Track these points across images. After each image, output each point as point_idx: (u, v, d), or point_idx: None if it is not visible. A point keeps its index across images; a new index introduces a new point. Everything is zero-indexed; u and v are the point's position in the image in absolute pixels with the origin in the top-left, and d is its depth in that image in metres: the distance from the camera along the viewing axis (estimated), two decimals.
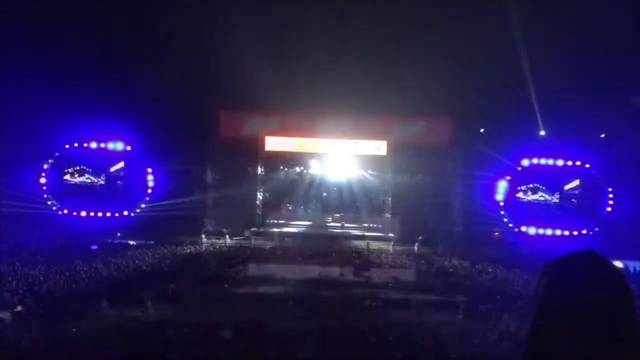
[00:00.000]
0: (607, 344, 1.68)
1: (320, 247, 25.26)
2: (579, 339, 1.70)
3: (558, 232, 28.79)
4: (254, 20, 24.08)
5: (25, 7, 23.26)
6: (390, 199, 29.97)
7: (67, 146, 29.20)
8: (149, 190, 29.53)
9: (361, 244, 26.90)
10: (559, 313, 1.75)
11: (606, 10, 21.69)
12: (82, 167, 30.09)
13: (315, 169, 31.59)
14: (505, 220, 29.37)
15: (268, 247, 25.62)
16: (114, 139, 29.32)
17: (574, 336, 1.70)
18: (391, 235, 28.17)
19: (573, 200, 30.00)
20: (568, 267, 1.83)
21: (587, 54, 23.40)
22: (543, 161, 29.09)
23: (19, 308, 12.26)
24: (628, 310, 1.73)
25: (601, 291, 1.73)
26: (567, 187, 30.01)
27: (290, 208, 31.57)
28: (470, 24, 23.26)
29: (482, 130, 28.41)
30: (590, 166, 28.66)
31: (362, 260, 22.96)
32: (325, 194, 31.72)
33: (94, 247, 23.33)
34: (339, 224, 30.29)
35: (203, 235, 26.55)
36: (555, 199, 30.13)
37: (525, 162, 29.18)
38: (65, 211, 28.76)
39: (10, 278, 16.00)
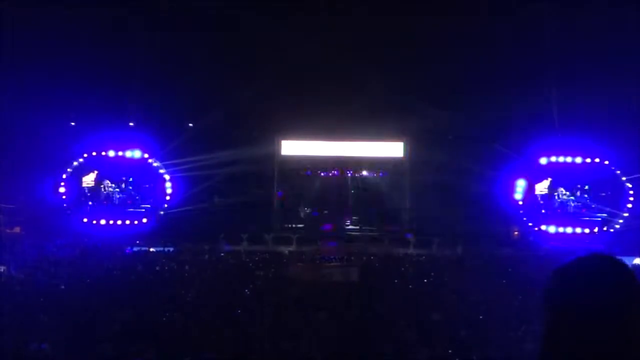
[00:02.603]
0: (620, 347, 1.66)
1: (338, 250, 25.24)
2: (591, 343, 1.67)
3: (578, 230, 28.49)
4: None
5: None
6: (407, 200, 29.87)
7: (85, 155, 29.48)
8: (167, 198, 29.70)
9: (380, 246, 26.83)
10: (570, 317, 1.72)
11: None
12: (99, 175, 30.38)
13: (331, 171, 31.57)
14: (525, 219, 29.17)
15: (286, 251, 25.61)
16: (132, 146, 29.51)
17: (585, 341, 1.68)
18: (409, 236, 28.07)
19: (593, 197, 29.72)
20: (577, 271, 1.80)
21: (604, 49, 23.22)
22: (562, 159, 28.81)
23: (40, 317, 12.34)
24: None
25: (612, 294, 1.71)
26: (586, 184, 29.74)
27: (307, 211, 31.55)
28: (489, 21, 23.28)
29: (499, 128, 28.23)
30: (610, 163, 28.33)
31: (381, 262, 22.87)
32: (342, 197, 31.63)
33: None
34: (357, 226, 30.25)
35: (221, 241, 26.61)
36: (574, 196, 29.84)
37: (543, 160, 28.91)
38: (85, 220, 29.01)
39: (31, 287, 16.16)
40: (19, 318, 12.34)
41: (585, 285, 1.74)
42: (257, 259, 23.10)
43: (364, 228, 30.01)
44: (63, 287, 16.31)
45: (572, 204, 29.80)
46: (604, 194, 29.41)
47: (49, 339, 10.97)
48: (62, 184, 29.03)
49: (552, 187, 29.88)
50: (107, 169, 30.33)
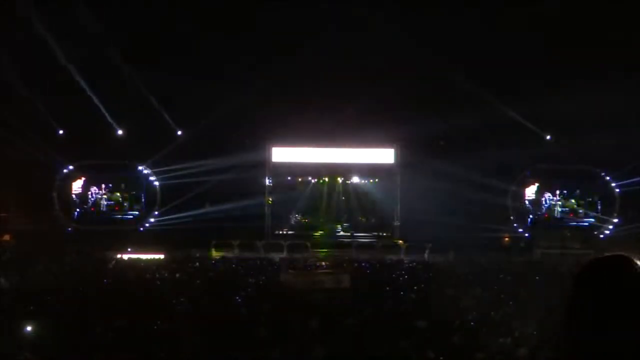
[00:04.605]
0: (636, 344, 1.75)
1: (330, 256, 25.26)
2: (609, 340, 1.76)
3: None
4: None
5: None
6: (399, 206, 29.86)
7: (77, 162, 29.40)
8: (158, 205, 29.63)
9: (371, 252, 26.85)
10: (590, 315, 1.82)
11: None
12: (90, 182, 30.27)
13: (322, 178, 31.53)
14: (515, 225, 29.30)
15: (278, 258, 25.53)
16: (122, 154, 29.42)
17: (604, 337, 1.77)
18: (401, 242, 28.12)
19: (582, 204, 29.92)
20: (597, 271, 1.91)
21: (590, 55, 23.41)
22: (552, 166, 28.98)
23: (30, 328, 12.24)
24: None
25: (629, 294, 1.81)
26: (576, 191, 29.95)
27: (299, 218, 31.50)
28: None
29: (489, 135, 28.35)
30: (600, 170, 28.54)
31: (373, 269, 22.87)
32: (333, 204, 31.58)
33: None
34: (349, 233, 30.23)
35: (212, 248, 26.52)
36: (564, 203, 30.03)
37: (534, 167, 29.09)
38: (76, 228, 28.92)
39: (23, 296, 16.06)
40: (9, 327, 12.26)
41: (603, 284, 1.86)
42: (248, 266, 23.03)
43: (355, 234, 29.97)
44: (54, 295, 16.19)
45: (560, 209, 30.02)
46: (592, 201, 29.64)
47: (40, 347, 10.92)
48: (54, 191, 28.98)
49: (540, 193, 30.05)
50: (97, 176, 30.25)
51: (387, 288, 18.65)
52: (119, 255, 24.73)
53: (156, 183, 29.94)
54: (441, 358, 11.02)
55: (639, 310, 1.78)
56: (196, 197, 28.56)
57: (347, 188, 31.59)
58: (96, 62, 25.04)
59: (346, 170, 31.06)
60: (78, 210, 30.02)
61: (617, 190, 28.38)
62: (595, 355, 1.80)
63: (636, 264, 1.90)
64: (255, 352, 11.08)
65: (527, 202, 30.03)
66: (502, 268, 21.53)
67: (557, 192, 30.13)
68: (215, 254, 25.83)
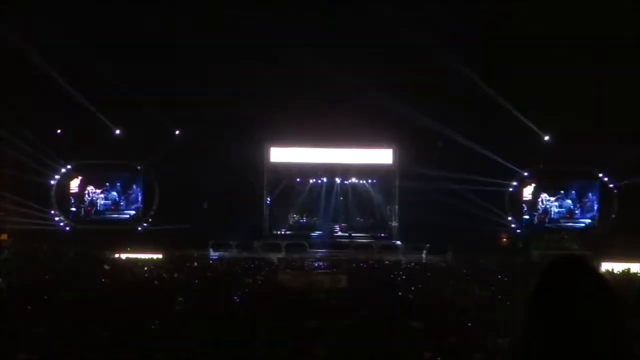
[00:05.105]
0: (591, 343, 1.79)
1: (328, 257, 25.27)
2: (564, 341, 1.81)
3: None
4: None
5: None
6: (397, 207, 29.90)
7: (74, 162, 29.39)
8: (156, 204, 29.62)
9: (369, 253, 26.88)
10: (547, 315, 1.86)
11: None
12: (87, 181, 30.27)
13: (321, 178, 31.56)
14: (513, 225, 29.32)
15: (276, 258, 25.53)
16: (119, 153, 29.43)
17: (560, 337, 1.82)
18: (399, 243, 28.15)
19: (579, 204, 29.95)
20: (553, 272, 1.94)
21: (600, 54, 23.46)
22: (549, 166, 29.01)
23: (29, 327, 12.21)
24: (611, 314, 1.83)
25: (583, 294, 1.86)
26: (573, 191, 29.98)
27: (297, 218, 31.53)
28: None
29: (487, 136, 28.42)
30: (597, 171, 28.58)
31: (371, 269, 22.87)
32: (331, 204, 31.63)
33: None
34: (347, 233, 30.25)
35: (211, 248, 26.51)
36: (561, 203, 30.06)
37: (531, 168, 29.12)
38: (73, 227, 28.90)
39: (19, 294, 16.04)
40: (7, 327, 12.24)
41: (558, 285, 1.90)
42: (246, 266, 23.00)
43: (353, 235, 30.01)
44: (52, 295, 16.17)
45: (556, 210, 30.06)
46: (590, 201, 29.66)
47: (39, 347, 10.90)
48: (52, 190, 29.00)
49: (537, 193, 30.09)
50: (95, 175, 30.27)
51: (385, 288, 18.64)
52: (117, 255, 24.72)
53: (154, 183, 29.92)
54: (439, 358, 11.03)
55: (595, 311, 1.83)
56: (194, 197, 28.57)
57: (345, 188, 31.63)
58: (95, 61, 25.00)
59: (344, 170, 31.08)
60: (75, 209, 30.02)
61: (615, 190, 28.41)
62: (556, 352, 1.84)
63: (590, 264, 1.95)
64: (253, 351, 11.08)
65: (524, 202, 30.07)
66: (500, 269, 21.53)
67: (554, 192, 30.18)
68: None
